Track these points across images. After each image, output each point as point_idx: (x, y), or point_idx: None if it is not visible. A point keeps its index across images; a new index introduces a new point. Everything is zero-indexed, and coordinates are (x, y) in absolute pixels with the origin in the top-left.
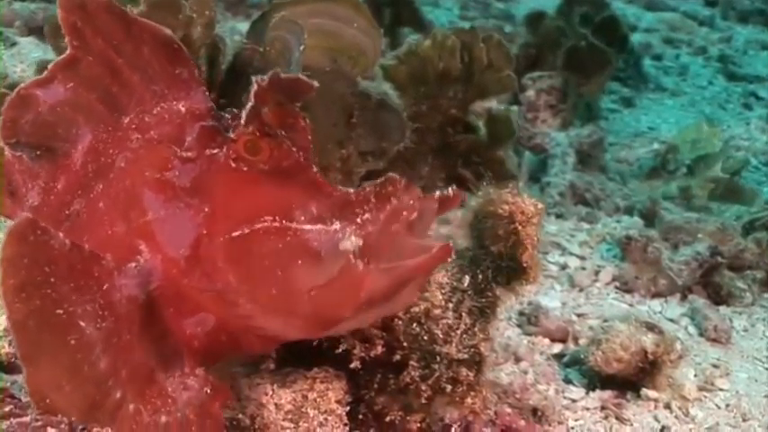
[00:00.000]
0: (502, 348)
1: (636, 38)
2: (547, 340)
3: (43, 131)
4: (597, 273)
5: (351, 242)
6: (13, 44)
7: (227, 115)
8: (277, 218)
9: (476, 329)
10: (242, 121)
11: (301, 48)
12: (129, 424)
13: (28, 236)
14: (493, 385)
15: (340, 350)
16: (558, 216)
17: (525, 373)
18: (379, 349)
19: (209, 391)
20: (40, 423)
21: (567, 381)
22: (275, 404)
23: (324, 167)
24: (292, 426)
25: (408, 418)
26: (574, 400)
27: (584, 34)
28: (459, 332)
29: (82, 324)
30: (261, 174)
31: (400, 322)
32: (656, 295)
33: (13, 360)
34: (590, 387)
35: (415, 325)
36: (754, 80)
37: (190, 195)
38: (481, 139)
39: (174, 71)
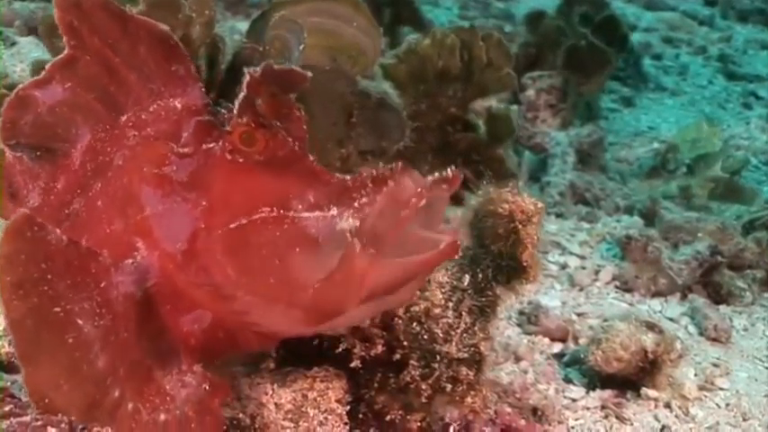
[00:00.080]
0: (502, 348)
1: (636, 37)
2: (547, 339)
3: (43, 132)
4: (597, 272)
5: (348, 223)
6: (13, 44)
7: (223, 110)
8: (275, 208)
9: (476, 328)
10: (235, 112)
11: (301, 47)
12: (129, 423)
13: (25, 232)
14: (493, 384)
15: (340, 349)
16: (558, 215)
17: (525, 372)
18: (380, 348)
19: (207, 387)
20: (40, 423)
21: (567, 380)
22: (275, 403)
23: (323, 167)
24: (292, 425)
25: (408, 417)
26: (574, 400)
27: (583, 34)
28: (459, 331)
29: (80, 322)
30: (257, 165)
31: (400, 321)
32: (656, 294)
33: (12, 360)
34: (590, 386)
35: (415, 324)
36: (754, 79)
37: (187, 190)
38: (481, 137)
39: (171, 68)
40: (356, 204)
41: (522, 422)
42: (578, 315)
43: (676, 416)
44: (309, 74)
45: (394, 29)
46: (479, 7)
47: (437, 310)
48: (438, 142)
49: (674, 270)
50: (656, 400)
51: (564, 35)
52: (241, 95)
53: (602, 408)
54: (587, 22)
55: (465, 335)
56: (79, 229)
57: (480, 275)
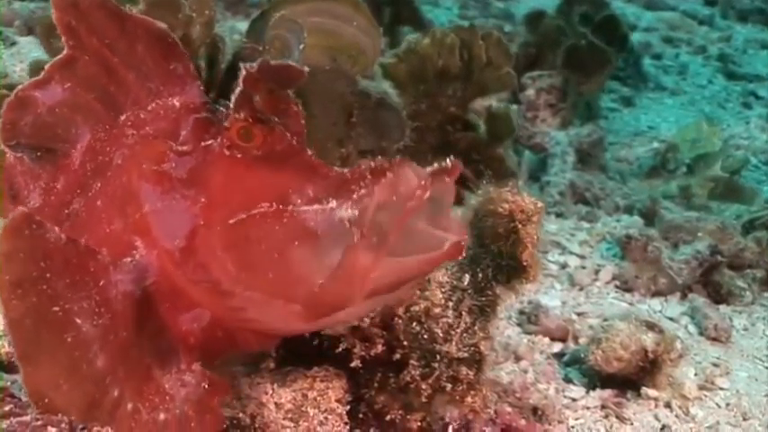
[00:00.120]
0: (502, 347)
1: (635, 37)
2: (547, 339)
3: (43, 133)
4: (597, 272)
5: (346, 213)
6: (13, 44)
7: (221, 108)
8: (274, 203)
9: (476, 328)
10: (231, 107)
11: (301, 46)
12: (128, 422)
13: (23, 230)
14: (493, 384)
15: (340, 349)
16: (558, 215)
17: (525, 372)
18: (380, 348)
19: (206, 386)
20: (40, 422)
21: (568, 380)
22: (275, 403)
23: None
24: (292, 425)
25: (408, 416)
26: (574, 399)
27: (583, 33)
28: (459, 331)
29: (78, 321)
30: (255, 160)
31: (400, 321)
32: (656, 294)
33: (12, 360)
34: (590, 386)
35: (415, 324)
36: (754, 79)
37: (186, 187)
38: (481, 136)
39: (169, 66)
40: (355, 196)
41: (523, 422)
42: (578, 315)
43: (676, 415)
44: (306, 69)
45: (394, 29)
46: (479, 7)
47: (437, 310)
48: (438, 142)
49: (674, 270)
50: (656, 399)
51: (564, 35)
52: (237, 90)
53: (603, 407)
54: (587, 21)
55: (465, 334)
56: (79, 229)
57: (480, 275)
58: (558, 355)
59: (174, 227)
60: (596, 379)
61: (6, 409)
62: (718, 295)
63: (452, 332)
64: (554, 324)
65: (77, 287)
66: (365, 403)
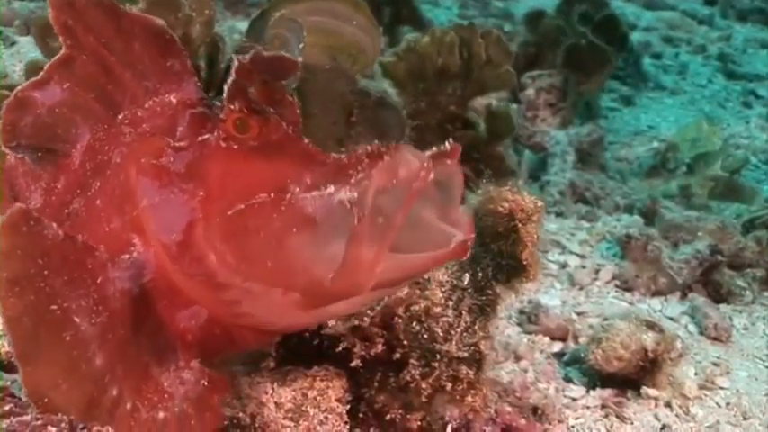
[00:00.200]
0: (502, 347)
1: (635, 36)
2: (547, 339)
3: (43, 133)
4: (597, 271)
5: (345, 195)
6: (13, 43)
7: (218, 104)
8: (272, 193)
9: (476, 327)
10: (224, 96)
11: (301, 46)
12: (128, 421)
13: (21, 226)
14: (493, 383)
15: (340, 348)
16: (558, 215)
17: (525, 371)
18: (380, 347)
19: (205, 383)
20: (40, 422)
21: (568, 379)
22: (275, 402)
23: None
24: (293, 424)
25: (409, 416)
26: (574, 399)
27: (583, 33)
28: (459, 330)
29: (77, 320)
30: (252, 151)
31: (400, 320)
32: (656, 294)
33: (12, 359)
34: (590, 385)
35: (415, 323)
36: (754, 79)
37: (184, 181)
38: (480, 135)
39: (166, 63)
40: (352, 180)
41: (523, 421)
42: (578, 314)
43: (677, 415)
44: (300, 59)
45: (393, 28)
46: (479, 6)
47: (437, 309)
48: (438, 140)
49: (674, 269)
50: (656, 399)
51: (564, 34)
52: (229, 80)
53: (603, 407)
54: (587, 21)
55: (465, 334)
56: (79, 228)
57: (480, 274)
58: (558, 355)
59: (171, 221)
60: (596, 378)
61: (6, 408)
62: (719, 294)
63: (452, 331)
64: (554, 323)
65: (75, 285)
66: (365, 403)
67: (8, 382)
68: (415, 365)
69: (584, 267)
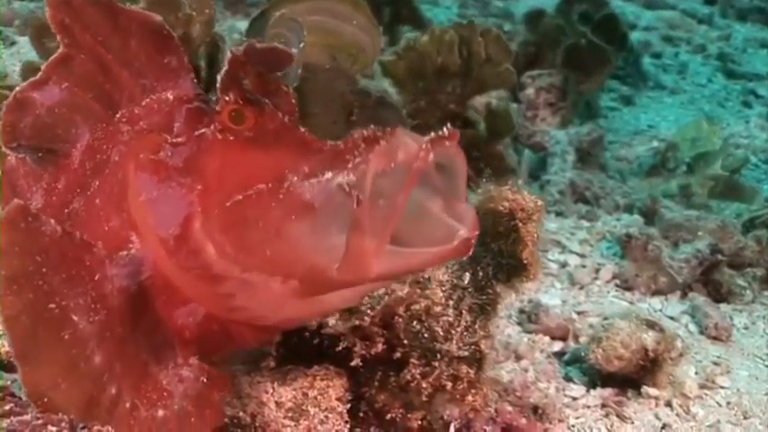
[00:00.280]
0: (502, 346)
1: (635, 36)
2: (547, 338)
3: (43, 133)
4: (597, 271)
5: (343, 179)
6: (13, 43)
7: (214, 98)
8: (270, 183)
9: (476, 327)
10: (218, 88)
11: (301, 45)
12: (127, 420)
13: (19, 223)
14: (493, 383)
15: (340, 348)
16: (558, 214)
17: (526, 370)
18: (380, 347)
19: (205, 380)
20: (40, 421)
21: (568, 379)
22: (276, 402)
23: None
24: (293, 424)
25: (409, 415)
26: (574, 398)
27: (583, 32)
28: (459, 329)
29: (75, 318)
30: (248, 141)
31: (401, 320)
32: (656, 293)
33: (12, 358)
34: (591, 385)
35: (415, 322)
36: (754, 78)
37: (182, 175)
38: (480, 133)
39: (163, 60)
40: (350, 165)
41: (523, 421)
42: (579, 313)
43: (677, 414)
44: (294, 51)
45: (393, 28)
46: (478, 6)
47: (437, 309)
48: None
49: (674, 268)
50: (656, 398)
51: (563, 34)
52: (223, 71)
53: (603, 406)
54: (587, 20)
55: (465, 333)
56: (79, 227)
57: (481, 273)
58: (559, 354)
59: (169, 215)
60: (597, 378)
61: (7, 408)
62: (719, 294)
63: (453, 331)
64: (554, 323)
65: (73, 282)
66: (366, 402)
67: (8, 382)
68: (416, 365)
69: (584, 267)
